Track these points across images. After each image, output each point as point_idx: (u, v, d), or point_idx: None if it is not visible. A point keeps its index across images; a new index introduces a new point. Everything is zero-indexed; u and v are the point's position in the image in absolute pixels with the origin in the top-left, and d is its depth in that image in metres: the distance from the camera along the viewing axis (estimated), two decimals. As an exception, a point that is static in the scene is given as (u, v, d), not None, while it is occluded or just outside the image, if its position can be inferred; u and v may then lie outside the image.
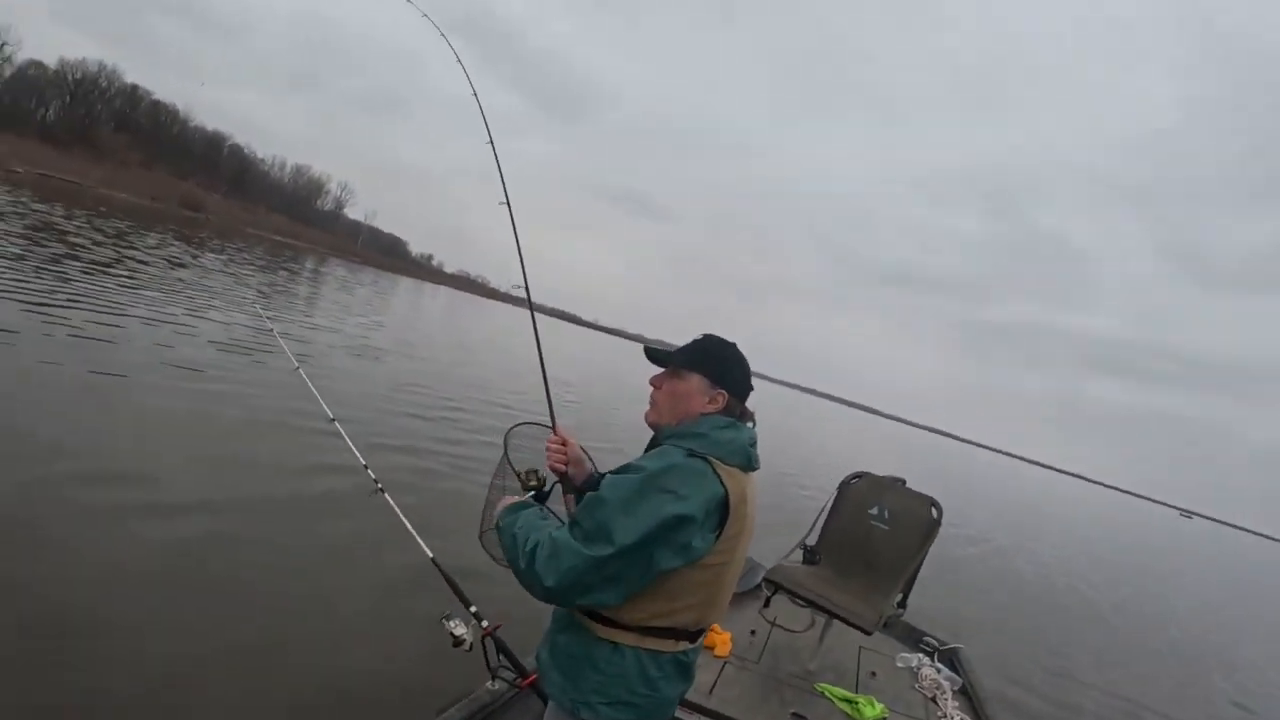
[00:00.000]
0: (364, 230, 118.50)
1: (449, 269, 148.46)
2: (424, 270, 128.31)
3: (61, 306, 8.94)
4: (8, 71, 67.17)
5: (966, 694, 3.71)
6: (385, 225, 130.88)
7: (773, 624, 3.92)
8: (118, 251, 16.99)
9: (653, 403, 1.62)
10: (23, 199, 24.27)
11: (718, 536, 1.39)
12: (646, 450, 1.54)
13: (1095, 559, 17.79)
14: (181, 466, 5.12)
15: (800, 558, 3.85)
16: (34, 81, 69.83)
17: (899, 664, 3.86)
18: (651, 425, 1.61)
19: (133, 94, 78.64)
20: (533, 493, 1.72)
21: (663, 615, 1.42)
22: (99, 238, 18.76)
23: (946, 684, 3.64)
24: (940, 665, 3.89)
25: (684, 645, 1.48)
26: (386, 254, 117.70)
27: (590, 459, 1.81)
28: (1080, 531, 26.04)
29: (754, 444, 1.53)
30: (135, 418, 5.89)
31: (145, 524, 4.11)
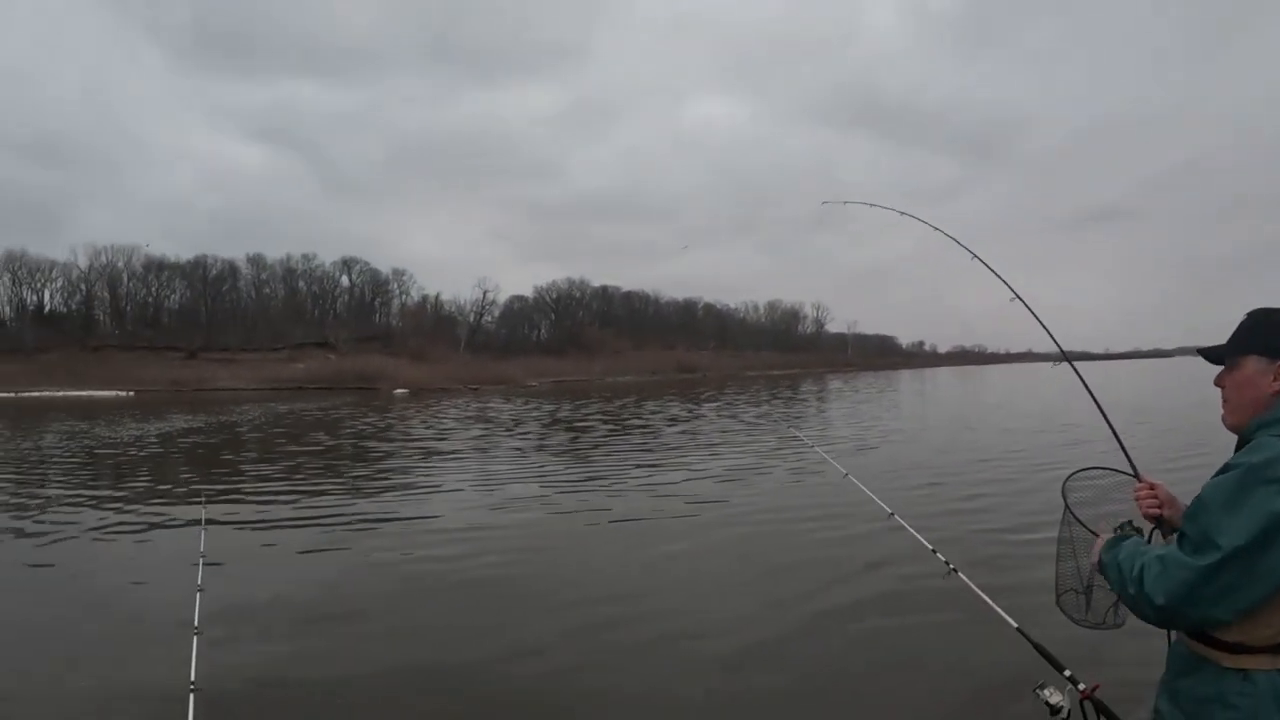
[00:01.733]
0: (850, 339, 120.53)
1: (942, 349, 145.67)
2: (919, 358, 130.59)
3: (581, 476, 10.96)
4: (497, 311, 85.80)
5: None
6: (869, 328, 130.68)
7: None
8: (618, 424, 20.70)
9: (1224, 403, 1.54)
10: (534, 403, 30.33)
11: None
12: (1236, 452, 1.46)
13: None
14: (745, 589, 5.59)
15: None
16: (520, 312, 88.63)
17: None
18: (1231, 428, 1.53)
19: (604, 294, 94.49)
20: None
21: None
22: (601, 417, 23.10)
23: None
24: None
25: None
26: (879, 355, 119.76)
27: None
28: None
29: None
30: (690, 560, 6.51)
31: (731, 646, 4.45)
